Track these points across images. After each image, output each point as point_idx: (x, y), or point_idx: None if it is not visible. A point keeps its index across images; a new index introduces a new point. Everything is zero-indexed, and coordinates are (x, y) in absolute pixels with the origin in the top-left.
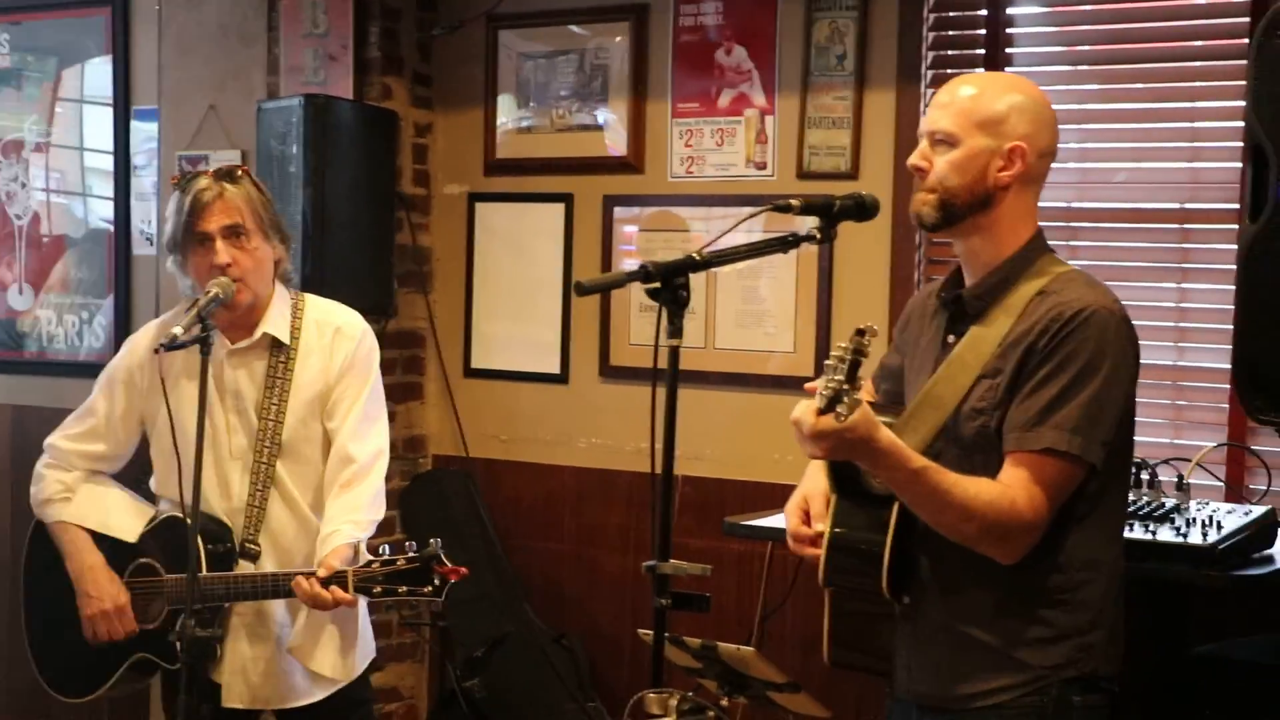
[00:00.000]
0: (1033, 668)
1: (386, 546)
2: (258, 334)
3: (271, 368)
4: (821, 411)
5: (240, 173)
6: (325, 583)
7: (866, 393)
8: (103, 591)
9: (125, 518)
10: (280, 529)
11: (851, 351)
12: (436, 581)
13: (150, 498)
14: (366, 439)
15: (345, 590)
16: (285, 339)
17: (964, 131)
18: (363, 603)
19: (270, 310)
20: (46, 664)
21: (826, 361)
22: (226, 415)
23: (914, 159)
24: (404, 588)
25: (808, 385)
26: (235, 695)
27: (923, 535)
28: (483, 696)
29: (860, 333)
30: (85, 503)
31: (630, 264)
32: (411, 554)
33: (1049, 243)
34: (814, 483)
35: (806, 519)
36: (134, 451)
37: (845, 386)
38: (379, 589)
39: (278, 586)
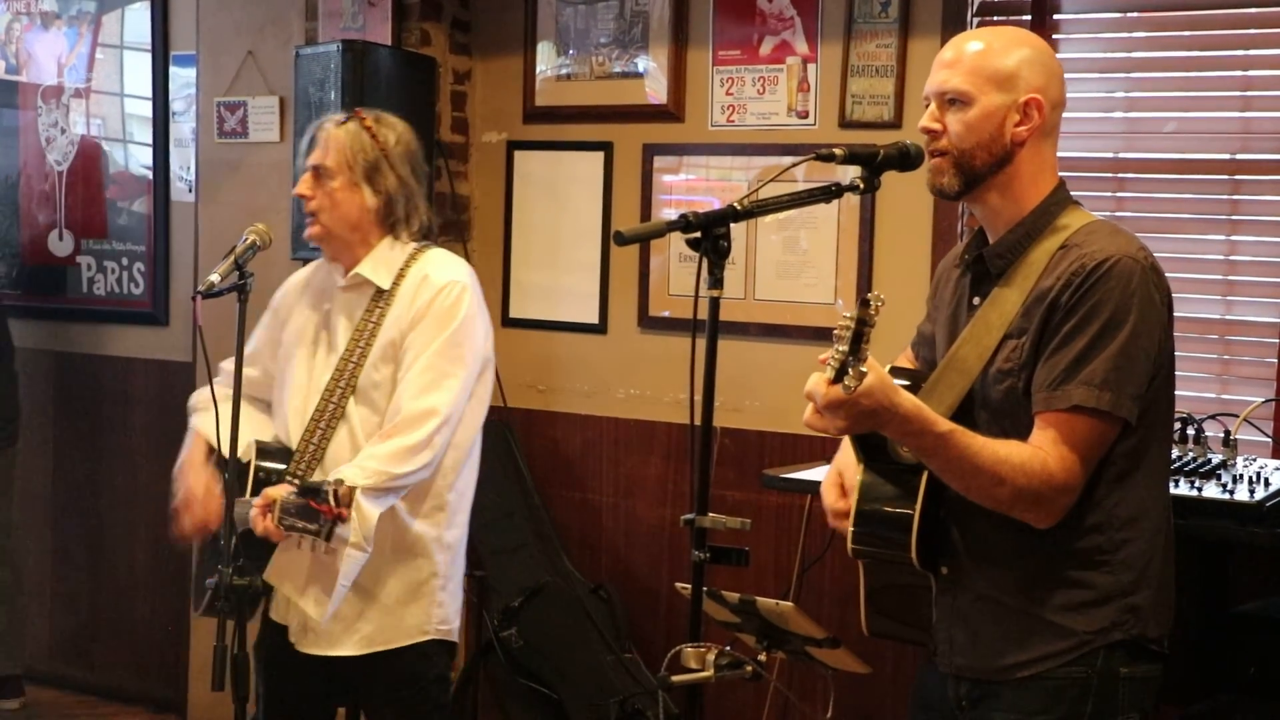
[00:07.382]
0: (1076, 633)
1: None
2: (351, 275)
3: (368, 311)
4: (831, 382)
5: (355, 118)
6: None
7: (906, 359)
8: (186, 479)
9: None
10: (335, 467)
11: (856, 320)
12: (321, 520)
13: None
14: (423, 395)
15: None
16: (385, 285)
17: (978, 89)
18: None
19: (373, 255)
20: (198, 574)
21: (834, 332)
22: (322, 350)
23: (925, 121)
24: (300, 522)
25: (820, 358)
26: (294, 635)
27: (954, 502)
28: (520, 646)
29: (865, 302)
30: (211, 416)
31: (670, 213)
32: (299, 485)
33: (1086, 194)
34: (846, 456)
35: (843, 493)
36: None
37: (850, 357)
38: (286, 521)
39: None
